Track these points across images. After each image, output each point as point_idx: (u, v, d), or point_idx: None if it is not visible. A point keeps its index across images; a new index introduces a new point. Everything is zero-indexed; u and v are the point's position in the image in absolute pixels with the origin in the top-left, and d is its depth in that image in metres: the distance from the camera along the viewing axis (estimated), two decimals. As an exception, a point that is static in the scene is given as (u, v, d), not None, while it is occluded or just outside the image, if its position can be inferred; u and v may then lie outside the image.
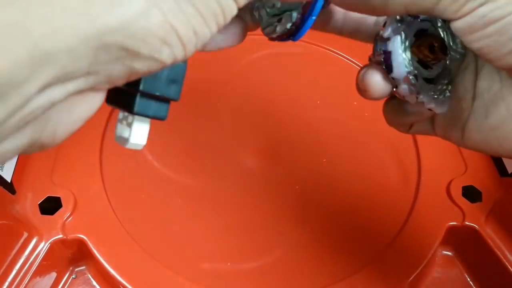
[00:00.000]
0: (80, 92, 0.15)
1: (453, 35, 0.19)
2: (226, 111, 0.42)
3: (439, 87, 0.20)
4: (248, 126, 0.41)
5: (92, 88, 0.15)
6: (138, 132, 0.18)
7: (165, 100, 0.17)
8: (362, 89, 0.21)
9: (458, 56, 0.20)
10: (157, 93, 0.17)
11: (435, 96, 0.20)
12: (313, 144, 0.40)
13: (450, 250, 0.36)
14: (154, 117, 0.18)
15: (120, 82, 0.15)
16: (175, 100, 0.18)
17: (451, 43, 0.19)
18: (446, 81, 0.20)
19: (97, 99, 0.16)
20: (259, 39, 0.48)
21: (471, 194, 0.37)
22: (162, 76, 0.17)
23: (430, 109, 0.20)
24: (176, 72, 0.17)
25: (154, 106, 0.17)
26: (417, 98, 0.20)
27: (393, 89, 0.20)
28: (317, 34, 0.53)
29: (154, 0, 0.13)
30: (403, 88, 0.19)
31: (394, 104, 0.23)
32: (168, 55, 0.15)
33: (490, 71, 0.19)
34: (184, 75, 0.18)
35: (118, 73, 0.14)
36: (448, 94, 0.20)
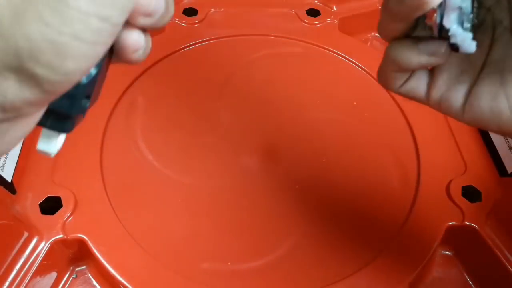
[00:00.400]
0: (7, 119, 0.15)
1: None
2: (226, 111, 0.42)
3: (473, 23, 0.19)
4: (248, 126, 0.41)
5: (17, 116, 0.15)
6: (44, 141, 0.18)
7: (61, 114, 0.17)
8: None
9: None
10: (49, 106, 0.17)
11: (469, 31, 0.19)
12: (313, 144, 0.40)
13: (449, 250, 0.36)
14: (53, 130, 0.17)
15: (40, 106, 0.15)
16: (69, 115, 0.17)
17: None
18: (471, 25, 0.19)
19: (31, 120, 0.16)
20: (259, 39, 0.49)
21: (470, 194, 0.37)
22: None
23: (456, 48, 0.19)
24: (73, 87, 0.16)
25: (51, 119, 0.17)
26: (448, 32, 0.18)
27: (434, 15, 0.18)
28: (317, 34, 0.54)
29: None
30: (451, 17, 0.18)
31: (407, 41, 0.20)
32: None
33: (508, 42, 0.18)
34: (84, 92, 0.17)
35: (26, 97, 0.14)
36: (474, 40, 0.19)
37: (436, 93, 0.21)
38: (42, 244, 0.32)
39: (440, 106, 0.21)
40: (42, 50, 0.14)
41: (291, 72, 0.46)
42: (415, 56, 0.20)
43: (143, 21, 0.17)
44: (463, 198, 0.36)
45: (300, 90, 0.45)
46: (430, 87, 0.21)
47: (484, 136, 0.41)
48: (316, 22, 0.51)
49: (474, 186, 0.37)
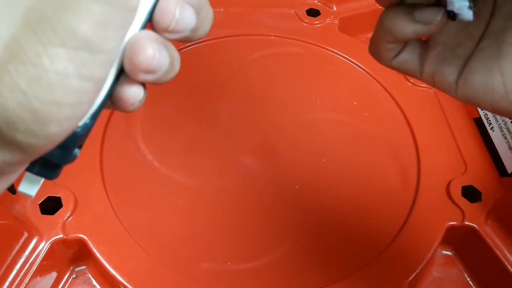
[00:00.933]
0: None
1: None
2: (226, 111, 0.42)
3: None
4: (248, 126, 0.41)
5: None
6: (27, 184, 0.17)
7: (51, 162, 0.16)
8: None
9: None
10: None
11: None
12: (313, 144, 0.40)
13: (449, 250, 0.36)
14: (40, 176, 0.17)
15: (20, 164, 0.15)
16: (61, 164, 0.17)
17: None
18: None
19: (12, 176, 0.16)
20: (259, 39, 0.49)
21: (470, 194, 0.37)
22: None
23: (453, 16, 0.18)
24: (67, 138, 0.15)
25: (39, 166, 0.16)
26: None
27: None
28: (317, 34, 0.54)
29: None
30: None
31: (401, 9, 0.19)
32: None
33: (510, 12, 0.17)
34: (77, 143, 0.16)
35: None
36: (472, 8, 0.18)
37: (430, 66, 0.20)
38: (42, 244, 0.32)
39: (434, 81, 0.20)
40: (21, 119, 0.13)
41: (291, 72, 0.46)
42: (410, 24, 0.19)
43: (145, 77, 0.16)
44: (463, 198, 0.36)
45: (300, 90, 0.45)
46: (424, 60, 0.20)
47: (484, 136, 0.41)
48: (316, 22, 0.51)
49: (474, 186, 0.37)
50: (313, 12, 0.52)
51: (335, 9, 0.52)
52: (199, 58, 0.46)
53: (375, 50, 0.22)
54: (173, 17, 0.16)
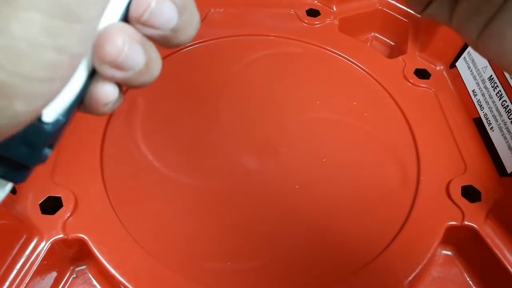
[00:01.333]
0: None
1: None
2: (226, 111, 0.42)
3: None
4: (248, 126, 0.41)
5: None
6: None
7: (17, 163, 0.15)
8: None
9: None
10: (3, 153, 0.14)
11: None
12: (313, 144, 0.40)
13: (449, 249, 0.36)
14: (5, 179, 0.15)
15: None
16: (28, 165, 0.15)
17: None
18: None
19: None
20: (259, 39, 0.49)
21: (470, 194, 0.37)
22: (17, 136, 0.14)
23: None
24: (36, 134, 0.13)
25: (4, 167, 0.15)
26: None
27: None
28: (317, 34, 0.54)
29: None
30: None
31: None
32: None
33: None
34: (47, 141, 0.14)
35: None
36: None
37: (455, 21, 0.20)
38: (42, 244, 0.32)
39: (460, 33, 0.20)
40: None
41: (291, 72, 0.46)
42: None
43: (112, 72, 0.15)
44: (463, 198, 0.36)
45: (300, 90, 0.45)
46: (452, 14, 0.20)
47: (484, 136, 0.41)
48: (316, 22, 0.51)
49: (474, 186, 0.37)
50: (313, 12, 0.52)
51: (335, 9, 0.52)
52: (199, 58, 0.46)
53: (407, 1, 0.21)
54: (147, 7, 0.15)
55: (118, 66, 0.15)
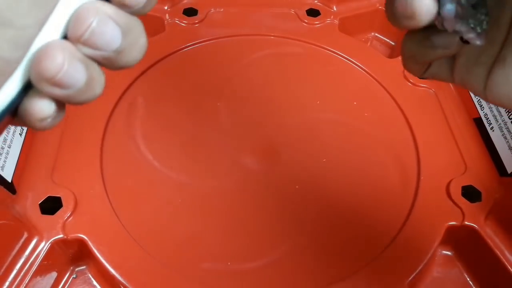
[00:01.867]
0: None
1: None
2: (226, 111, 0.42)
3: (478, 16, 0.18)
4: (248, 126, 0.41)
5: None
6: None
7: None
8: (407, 15, 0.17)
9: None
10: None
11: (472, 26, 0.18)
12: (313, 144, 0.40)
13: (449, 250, 0.36)
14: None
15: None
16: None
17: None
18: (484, 11, 0.18)
19: None
20: (259, 39, 0.49)
21: (470, 194, 0.37)
22: None
23: (466, 41, 0.18)
24: None
25: None
26: (455, 26, 0.18)
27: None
28: (317, 34, 0.54)
29: None
30: (448, 9, 0.17)
31: (418, 36, 0.20)
32: None
33: None
34: None
35: None
36: (485, 26, 0.18)
37: (457, 76, 0.20)
38: (42, 244, 0.32)
39: (465, 86, 0.20)
40: None
41: (291, 72, 0.46)
42: (429, 50, 0.19)
43: (51, 90, 0.14)
44: (463, 198, 0.36)
45: (300, 90, 0.45)
46: (452, 70, 0.21)
47: (484, 136, 0.41)
48: (316, 22, 0.51)
49: (474, 186, 0.37)
50: (313, 12, 0.52)
51: (335, 9, 0.52)
52: (199, 58, 0.46)
53: (406, 68, 0.22)
54: (88, 26, 0.14)
55: (56, 84, 0.14)
